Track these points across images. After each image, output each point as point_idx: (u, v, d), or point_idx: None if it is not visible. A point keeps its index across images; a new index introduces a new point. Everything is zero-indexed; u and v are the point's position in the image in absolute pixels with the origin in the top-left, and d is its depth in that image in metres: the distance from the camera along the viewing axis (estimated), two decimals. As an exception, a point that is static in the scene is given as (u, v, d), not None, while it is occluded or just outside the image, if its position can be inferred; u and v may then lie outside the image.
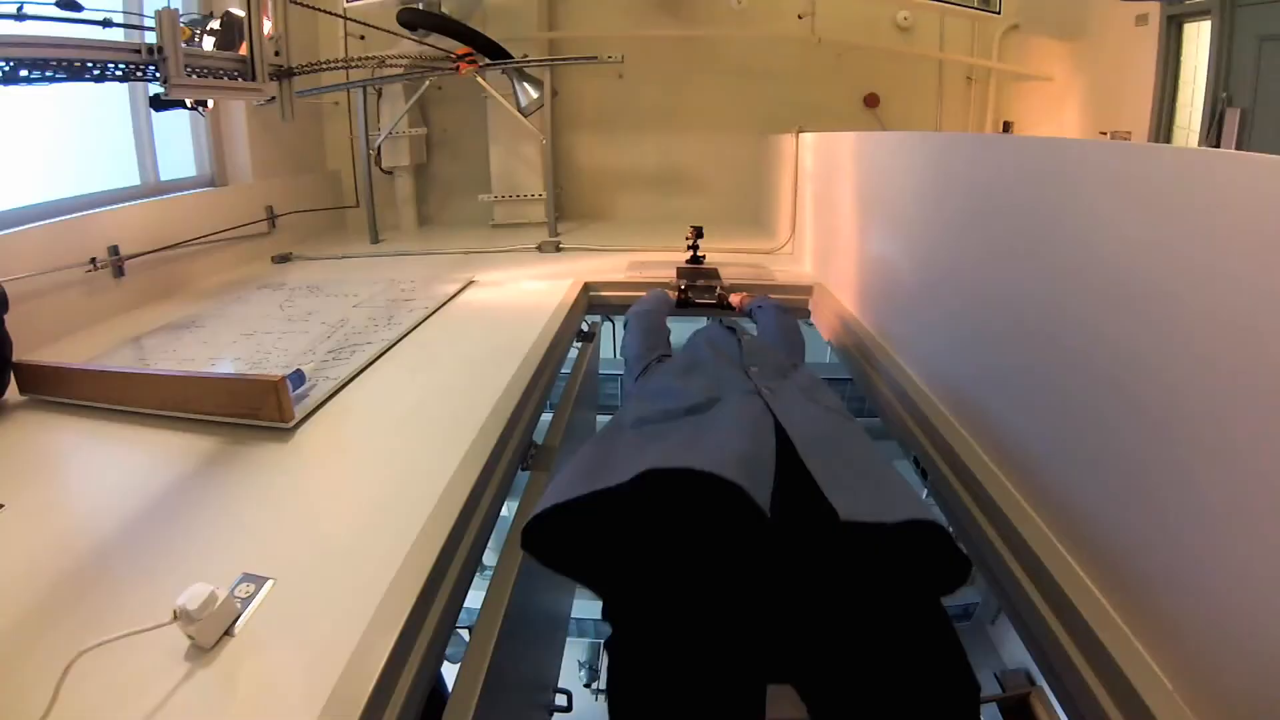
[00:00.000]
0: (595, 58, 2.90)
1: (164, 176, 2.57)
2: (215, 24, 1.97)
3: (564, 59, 3.25)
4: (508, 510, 1.44)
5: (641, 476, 0.73)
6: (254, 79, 1.96)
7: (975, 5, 3.41)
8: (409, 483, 1.08)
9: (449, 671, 1.03)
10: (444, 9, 3.10)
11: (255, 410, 1.26)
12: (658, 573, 0.75)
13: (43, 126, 2.12)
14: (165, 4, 2.02)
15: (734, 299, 2.14)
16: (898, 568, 0.75)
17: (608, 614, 0.78)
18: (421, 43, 2.91)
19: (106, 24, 1.62)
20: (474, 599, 1.11)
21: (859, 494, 0.74)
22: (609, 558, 0.80)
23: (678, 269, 2.46)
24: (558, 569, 0.82)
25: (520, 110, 3.00)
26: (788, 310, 1.89)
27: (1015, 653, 4.49)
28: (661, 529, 0.76)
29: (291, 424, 1.27)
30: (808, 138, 2.66)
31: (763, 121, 3.55)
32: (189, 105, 2.20)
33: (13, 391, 1.44)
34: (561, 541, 0.81)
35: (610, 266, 2.59)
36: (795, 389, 0.99)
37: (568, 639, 3.53)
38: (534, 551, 0.81)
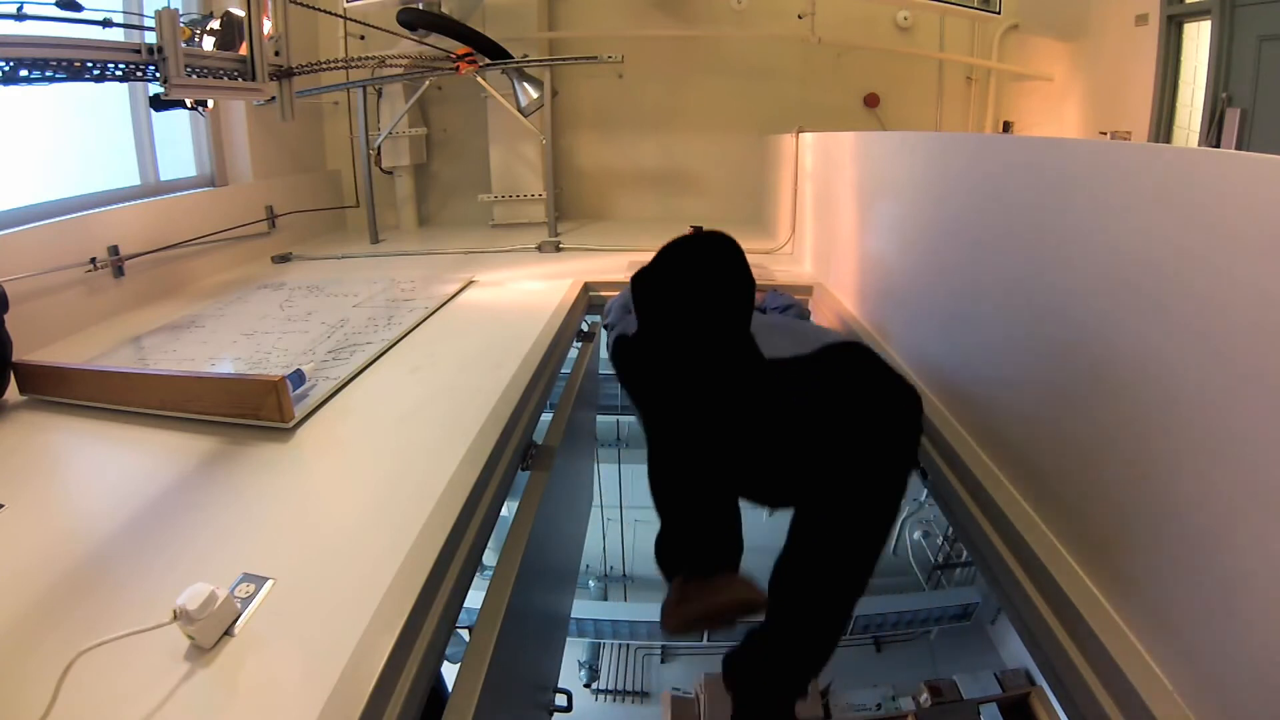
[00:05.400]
0: (595, 58, 2.91)
1: (164, 176, 2.57)
2: (215, 24, 1.96)
3: (564, 59, 3.25)
4: (508, 510, 1.43)
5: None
6: (254, 79, 1.96)
7: (975, 5, 3.41)
8: (409, 482, 1.08)
9: (449, 671, 1.03)
10: (444, 9, 3.10)
11: (255, 410, 1.26)
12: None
13: (43, 126, 2.12)
14: (165, 4, 2.03)
15: None
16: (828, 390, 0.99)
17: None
18: (421, 43, 2.91)
19: (106, 24, 1.62)
20: (474, 599, 1.11)
21: (782, 344, 1.04)
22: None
23: (678, 269, 2.46)
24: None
25: (520, 110, 3.00)
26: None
27: (1015, 653, 4.50)
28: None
29: (291, 424, 1.27)
30: (808, 138, 2.66)
31: (763, 121, 3.55)
32: (189, 105, 2.20)
33: (13, 391, 1.44)
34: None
35: (610, 266, 2.59)
36: (767, 318, 1.29)
37: (568, 639, 3.53)
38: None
